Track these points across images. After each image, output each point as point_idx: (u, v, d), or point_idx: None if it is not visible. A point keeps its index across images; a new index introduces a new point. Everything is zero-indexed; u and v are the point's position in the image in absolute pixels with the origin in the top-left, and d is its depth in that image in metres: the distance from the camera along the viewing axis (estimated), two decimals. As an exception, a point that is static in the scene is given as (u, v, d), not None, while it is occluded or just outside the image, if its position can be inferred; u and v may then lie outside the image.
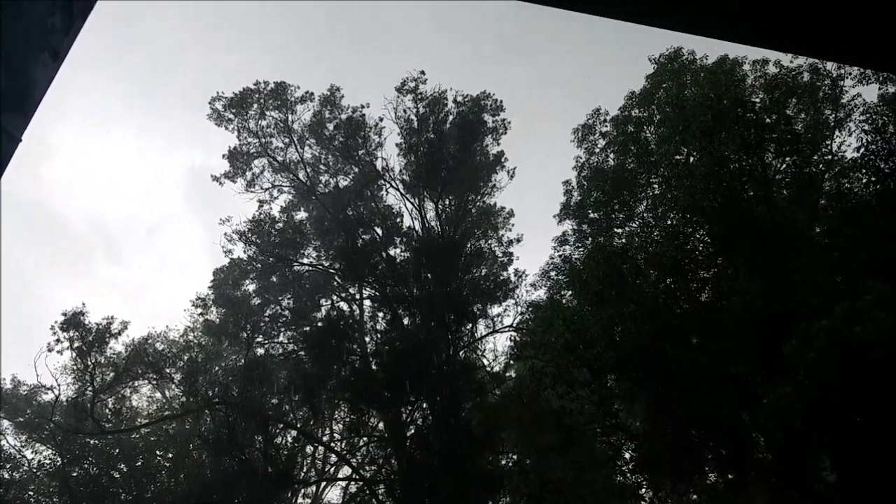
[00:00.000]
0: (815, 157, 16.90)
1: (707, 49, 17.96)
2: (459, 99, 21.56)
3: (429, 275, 20.62)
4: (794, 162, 16.84)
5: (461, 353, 20.08)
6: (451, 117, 21.46)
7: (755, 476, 15.57)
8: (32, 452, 20.04)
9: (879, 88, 15.93)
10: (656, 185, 18.57)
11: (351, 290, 22.38)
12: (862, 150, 15.42)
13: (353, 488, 20.43)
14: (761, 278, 14.20)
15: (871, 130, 15.30)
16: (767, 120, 16.90)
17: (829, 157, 16.86)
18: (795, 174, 16.71)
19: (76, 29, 2.08)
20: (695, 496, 17.32)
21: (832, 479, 14.72)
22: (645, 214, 18.67)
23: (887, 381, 11.74)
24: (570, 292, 18.71)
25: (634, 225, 18.73)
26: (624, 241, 18.17)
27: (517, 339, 19.68)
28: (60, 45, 2.03)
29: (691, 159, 17.68)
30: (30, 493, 19.58)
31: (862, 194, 15.53)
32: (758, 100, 17.15)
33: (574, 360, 16.29)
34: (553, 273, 19.76)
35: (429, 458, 17.73)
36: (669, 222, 17.68)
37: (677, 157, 17.90)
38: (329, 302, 22.13)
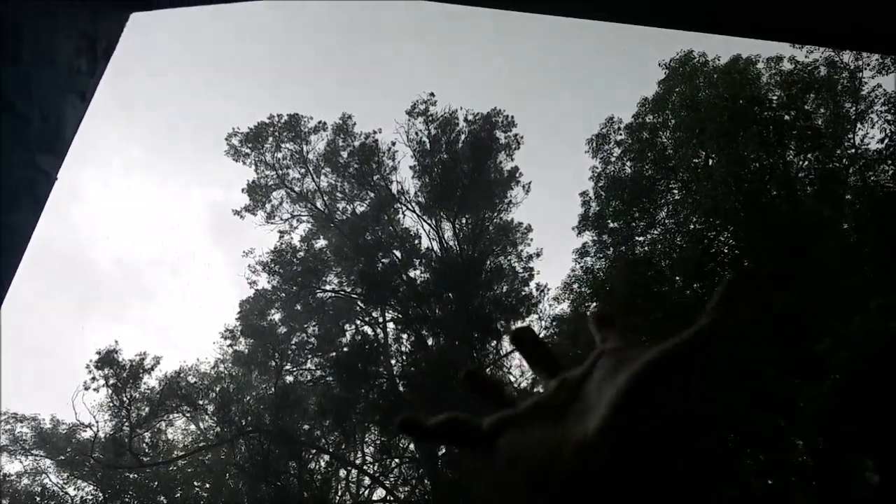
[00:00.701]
0: (838, 152, 16.50)
1: (718, 50, 17.78)
2: (470, 118, 21.76)
3: (450, 294, 20.64)
4: (816, 158, 16.48)
5: (487, 370, 20.00)
6: (462, 136, 21.61)
7: (796, 480, 15.11)
8: (75, 489, 20.54)
9: (900, 77, 15.54)
10: (676, 191, 18.33)
11: (374, 314, 22.51)
12: (886, 140, 15.04)
13: (387, 511, 20.42)
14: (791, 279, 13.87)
15: (895, 120, 14.93)
16: (786, 117, 16.60)
17: (853, 150, 16.43)
18: (818, 170, 16.34)
19: (101, 70, 2.18)
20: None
21: (875, 480, 14.20)
22: (666, 221, 18.41)
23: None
24: (594, 304, 18.51)
25: (656, 232, 18.48)
26: (647, 248, 17.96)
27: None
28: (87, 87, 2.13)
29: (710, 162, 17.44)
30: (74, 529, 20.07)
31: (889, 186, 15.10)
32: (774, 97, 16.87)
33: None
34: (576, 285, 19.57)
35: (461, 476, 17.63)
36: (692, 227, 17.43)
37: (696, 160, 17.69)
38: (353, 327, 22.29)
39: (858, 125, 16.63)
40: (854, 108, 16.68)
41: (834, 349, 12.49)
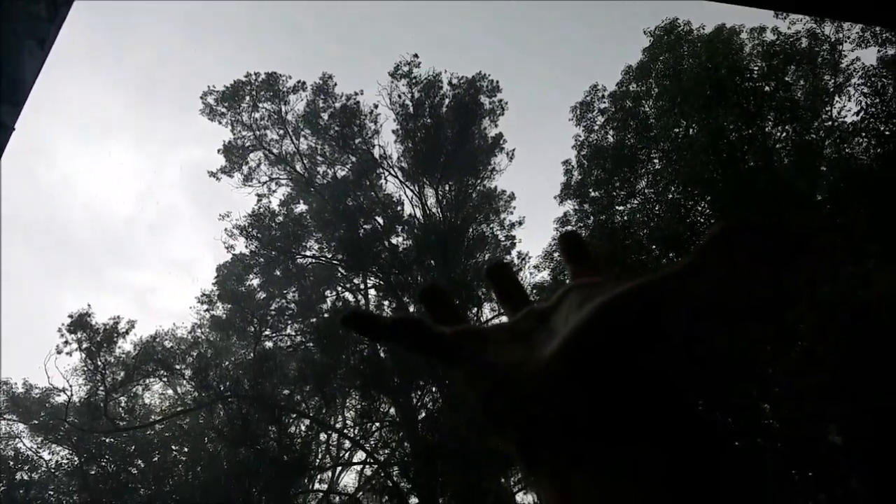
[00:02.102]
0: (816, 124, 16.78)
1: (704, 19, 17.79)
2: (455, 81, 21.45)
3: (432, 261, 20.65)
4: (794, 129, 16.75)
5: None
6: (447, 100, 21.32)
7: (762, 443, 15.74)
8: (49, 453, 20.31)
9: (879, 51, 15.78)
10: (656, 160, 18.49)
11: (355, 281, 22.43)
12: (861, 113, 15.34)
13: (368, 472, 20.72)
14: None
15: (871, 93, 15.20)
16: (766, 88, 16.79)
17: (830, 123, 16.73)
18: (796, 142, 16.62)
19: (61, 17, 2.08)
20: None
21: (838, 442, 14.87)
22: (646, 190, 18.61)
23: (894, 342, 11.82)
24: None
25: (636, 202, 18.68)
26: (626, 217, 18.16)
27: None
28: (46, 34, 2.03)
29: (691, 131, 17.59)
30: (50, 492, 19.88)
31: (862, 159, 15.47)
32: (756, 68, 17.01)
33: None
34: (556, 254, 19.76)
35: (441, 440, 17.95)
36: (670, 196, 17.66)
37: (676, 129, 17.81)
38: (334, 293, 22.20)
39: (836, 98, 16.92)
40: (833, 81, 16.93)
41: (804, 316, 12.89)
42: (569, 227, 19.18)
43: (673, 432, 0.35)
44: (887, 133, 15.10)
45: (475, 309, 20.65)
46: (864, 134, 15.57)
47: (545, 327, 0.44)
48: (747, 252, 0.38)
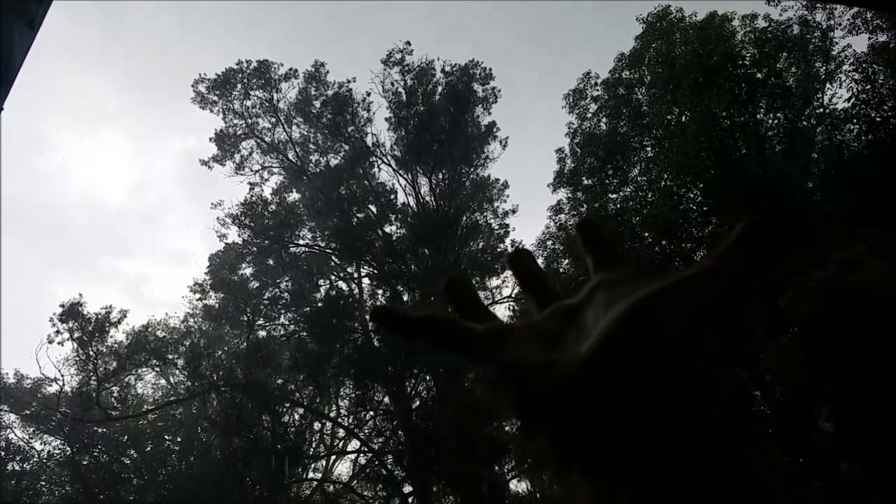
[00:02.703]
0: (807, 111, 16.83)
1: (695, 5, 17.79)
2: (447, 69, 21.41)
3: (426, 250, 20.62)
4: (785, 116, 16.80)
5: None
6: (439, 88, 21.26)
7: (754, 429, 15.84)
8: (41, 444, 20.21)
9: (869, 38, 15.82)
10: (649, 148, 18.52)
11: (349, 270, 22.38)
12: (853, 100, 15.38)
13: (362, 460, 20.74)
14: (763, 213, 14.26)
15: (862, 80, 15.24)
16: (758, 75, 16.81)
17: (821, 110, 16.79)
18: (787, 129, 16.68)
19: None
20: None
21: (829, 428, 14.96)
22: (639, 178, 18.64)
23: (886, 328, 11.89)
24: (566, 261, 18.77)
25: (628, 189, 18.71)
26: (619, 205, 18.19)
27: (517, 309, 19.79)
28: (35, 14, 2.00)
29: (683, 118, 17.61)
30: (42, 483, 19.79)
31: (854, 145, 15.54)
32: (748, 55, 17.03)
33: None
34: (549, 242, 19.77)
35: (434, 428, 17.98)
36: (663, 183, 17.68)
37: (669, 117, 17.83)
38: (327, 282, 22.15)
39: (828, 85, 16.97)
40: (824, 68, 16.97)
41: (796, 302, 12.95)
42: (562, 215, 19.22)
43: (704, 435, 0.34)
44: (878, 119, 15.17)
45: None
46: (855, 120, 15.63)
47: (575, 326, 0.43)
48: (768, 245, 0.39)
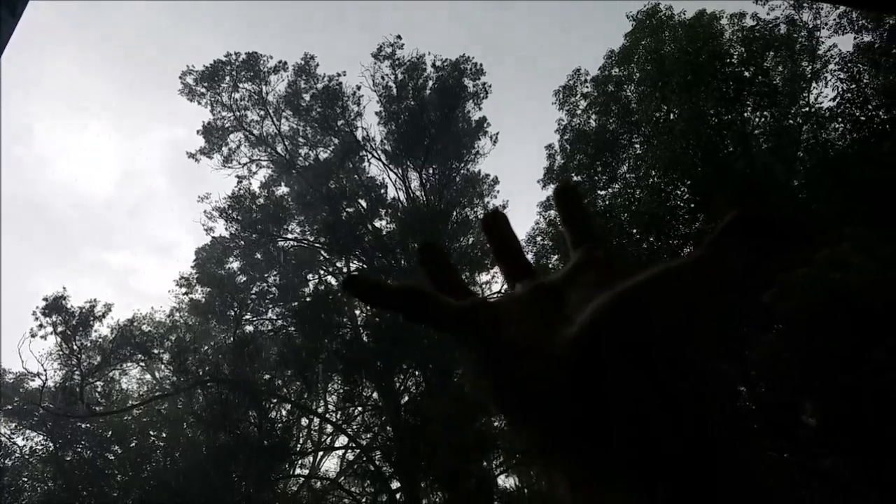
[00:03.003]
0: (793, 110, 17.05)
1: (684, 3, 17.93)
2: (438, 63, 21.35)
3: (416, 245, 20.55)
4: (772, 115, 16.99)
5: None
6: (430, 83, 21.21)
7: (737, 425, 15.96)
8: (24, 439, 19.87)
9: (855, 38, 16.06)
10: (637, 145, 18.65)
11: (338, 264, 22.28)
12: (838, 99, 15.59)
13: (350, 456, 20.67)
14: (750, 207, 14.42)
15: (847, 79, 15.45)
16: (746, 73, 16.98)
17: (807, 109, 17.02)
18: (774, 127, 16.88)
19: None
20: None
21: (812, 424, 15.14)
22: (627, 175, 18.77)
23: (871, 326, 12.07)
24: (555, 256, 18.85)
25: (617, 186, 18.83)
26: (607, 201, 18.29)
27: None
28: (17, 0, 1.96)
29: (671, 116, 17.75)
30: (24, 479, 19.47)
31: (839, 144, 15.75)
32: (735, 53, 17.20)
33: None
34: (539, 238, 19.84)
35: (423, 424, 17.96)
36: (651, 180, 17.81)
37: (657, 114, 17.96)
38: (316, 277, 22.05)
39: (814, 84, 17.20)
40: (810, 68, 17.21)
41: (781, 298, 13.09)
42: (552, 212, 19.27)
43: (704, 433, 0.33)
44: (863, 118, 15.37)
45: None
46: (840, 119, 15.83)
47: (559, 306, 0.42)
48: (755, 239, 0.38)
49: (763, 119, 17.26)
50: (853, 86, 15.43)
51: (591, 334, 0.37)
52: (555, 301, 0.43)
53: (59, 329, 19.16)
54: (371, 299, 0.45)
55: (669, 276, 0.38)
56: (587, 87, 18.81)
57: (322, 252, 21.78)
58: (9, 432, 19.85)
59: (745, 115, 17.18)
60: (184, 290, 21.63)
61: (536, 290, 0.45)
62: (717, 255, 0.39)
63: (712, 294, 0.38)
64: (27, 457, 19.73)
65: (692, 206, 17.08)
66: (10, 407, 19.92)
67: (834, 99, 15.76)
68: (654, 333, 0.36)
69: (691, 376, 0.36)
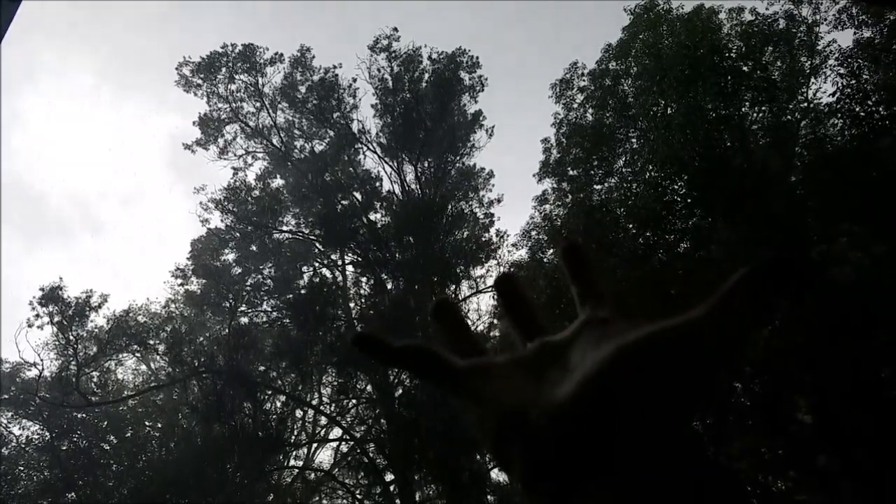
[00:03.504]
0: (792, 105, 16.91)
1: (683, -4, 17.73)
2: (434, 56, 21.28)
3: (411, 238, 20.58)
4: (770, 110, 16.86)
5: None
6: (426, 75, 21.13)
7: (732, 420, 15.95)
8: (20, 429, 19.99)
9: (855, 33, 15.89)
10: (634, 139, 18.53)
11: (333, 257, 22.29)
12: (837, 94, 15.45)
13: (344, 448, 20.76)
14: (739, 227, 14.36)
15: (847, 74, 15.30)
16: (744, 68, 16.84)
17: (805, 104, 16.87)
18: (772, 122, 16.75)
19: None
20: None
21: (807, 420, 15.12)
22: (624, 169, 18.67)
23: (865, 322, 12.02)
24: (551, 250, 18.79)
25: (613, 180, 18.74)
26: (603, 196, 18.21)
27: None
28: None
29: (669, 110, 17.62)
30: (20, 468, 19.61)
31: (837, 140, 15.63)
32: (734, 48, 17.05)
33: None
34: (534, 232, 19.76)
35: (417, 416, 18.00)
36: (648, 175, 17.72)
37: (655, 108, 17.83)
38: (311, 269, 22.05)
39: (812, 79, 17.04)
40: (809, 63, 17.05)
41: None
42: (547, 206, 19.21)
43: (679, 477, 0.34)
44: (862, 114, 15.23)
45: (453, 286, 20.66)
46: (839, 115, 15.70)
47: (559, 363, 0.42)
48: (768, 294, 0.37)
49: (761, 114, 17.13)
50: (853, 81, 15.28)
51: (589, 388, 0.37)
52: (558, 358, 0.43)
53: (56, 319, 19.27)
54: (379, 357, 0.46)
55: (673, 333, 0.37)
56: (584, 80, 18.70)
57: (317, 245, 21.79)
58: (5, 422, 20.00)
59: (744, 110, 17.05)
60: (179, 281, 21.74)
61: (542, 348, 0.45)
62: (726, 312, 0.37)
63: (718, 352, 0.37)
64: (23, 446, 19.85)
65: (689, 201, 16.98)
66: (6, 396, 20.04)
67: (833, 94, 15.63)
68: (647, 394, 0.36)
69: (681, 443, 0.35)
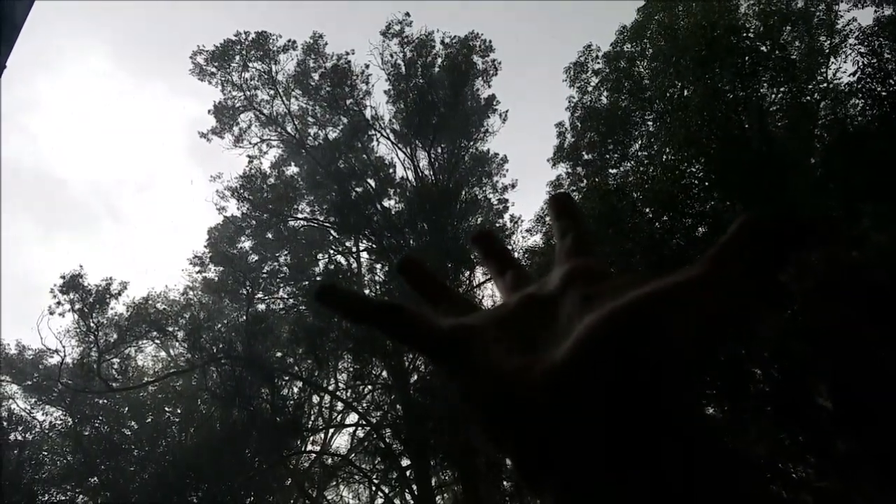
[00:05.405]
0: (811, 86, 16.63)
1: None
2: (447, 41, 21.14)
3: (425, 225, 20.58)
4: (789, 90, 16.59)
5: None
6: (439, 60, 21.03)
7: (751, 407, 15.83)
8: (43, 414, 20.41)
9: (875, 11, 15.56)
10: (650, 122, 18.34)
11: (347, 244, 22.38)
12: (857, 73, 15.16)
13: (360, 433, 20.93)
14: (758, 210, 14.18)
15: (867, 54, 15.00)
16: (762, 48, 16.57)
17: (825, 84, 16.59)
18: (791, 103, 16.48)
19: None
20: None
21: (828, 406, 14.96)
22: (640, 153, 18.50)
23: (889, 304, 11.84)
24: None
25: (629, 164, 18.58)
26: (619, 180, 18.07)
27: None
28: None
29: (686, 92, 17.40)
30: (44, 452, 20.02)
31: (858, 120, 15.36)
32: (752, 28, 16.78)
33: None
34: (548, 218, 19.67)
35: (432, 402, 18.08)
36: (664, 158, 17.54)
37: (671, 90, 17.62)
38: (326, 256, 22.18)
39: (832, 59, 16.75)
40: (829, 42, 16.75)
41: (798, 277, 12.88)
42: (560, 190, 19.08)
43: (675, 448, 0.31)
44: (883, 94, 14.95)
45: (467, 273, 20.66)
46: (859, 95, 15.42)
47: (548, 323, 0.39)
48: (765, 247, 0.35)
49: (780, 95, 16.85)
50: (873, 61, 14.98)
51: (583, 352, 0.35)
52: (545, 314, 0.40)
53: (77, 306, 19.58)
54: (346, 312, 0.43)
55: (666, 294, 0.35)
56: (599, 63, 18.51)
57: (332, 232, 21.88)
58: (29, 407, 20.42)
59: (762, 91, 16.79)
60: (197, 268, 21.95)
61: (527, 302, 0.42)
62: (722, 270, 0.35)
63: (716, 316, 0.35)
64: (47, 431, 20.27)
65: (707, 184, 16.79)
66: (29, 383, 20.44)
67: (853, 74, 15.34)
68: (647, 355, 0.34)
69: (690, 409, 0.33)
